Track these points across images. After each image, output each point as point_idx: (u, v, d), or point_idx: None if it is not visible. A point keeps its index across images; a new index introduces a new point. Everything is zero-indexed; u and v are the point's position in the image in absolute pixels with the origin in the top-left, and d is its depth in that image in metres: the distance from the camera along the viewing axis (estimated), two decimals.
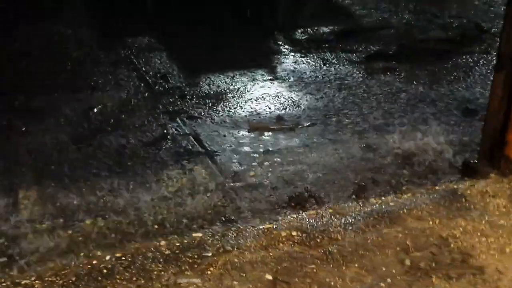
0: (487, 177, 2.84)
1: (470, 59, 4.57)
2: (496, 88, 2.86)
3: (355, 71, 4.38)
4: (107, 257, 2.37)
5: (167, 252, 2.39)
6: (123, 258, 2.35)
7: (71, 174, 3.04)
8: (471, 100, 3.89)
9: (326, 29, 5.17)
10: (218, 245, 2.44)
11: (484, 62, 4.51)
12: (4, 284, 2.20)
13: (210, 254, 2.38)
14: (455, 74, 4.31)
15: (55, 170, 3.08)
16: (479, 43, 4.88)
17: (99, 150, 3.27)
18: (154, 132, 3.48)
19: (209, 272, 2.26)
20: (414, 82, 4.15)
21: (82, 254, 2.44)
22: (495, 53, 4.58)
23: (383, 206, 2.71)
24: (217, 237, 2.53)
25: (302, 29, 5.14)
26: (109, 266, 2.29)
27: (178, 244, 2.46)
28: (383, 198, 2.82)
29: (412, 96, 3.95)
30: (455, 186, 2.82)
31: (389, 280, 2.26)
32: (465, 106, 3.79)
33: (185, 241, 2.49)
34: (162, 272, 2.25)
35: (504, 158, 2.81)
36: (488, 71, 4.33)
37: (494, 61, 4.39)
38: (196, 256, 2.35)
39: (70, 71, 4.32)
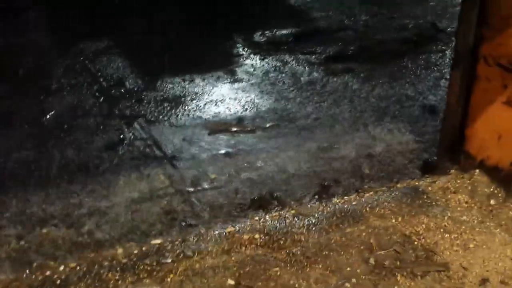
0: (447, 173, 2.85)
1: (427, 58, 4.62)
2: (453, 85, 2.88)
3: (314, 72, 4.36)
4: (61, 268, 2.27)
5: (124, 260, 2.29)
6: (78, 268, 2.24)
7: (22, 182, 2.90)
8: (430, 98, 3.92)
9: (284, 32, 5.14)
10: (178, 251, 2.36)
11: (441, 60, 4.57)
12: None
13: (169, 260, 2.30)
14: (413, 73, 4.35)
15: (6, 178, 2.93)
16: (435, 43, 4.95)
17: (52, 157, 3.14)
18: (110, 137, 3.36)
19: (168, 279, 2.18)
20: (373, 82, 4.16)
21: (34, 265, 2.31)
22: (451, 52, 4.67)
23: (345, 206, 2.68)
24: (177, 243, 2.44)
25: (260, 32, 5.10)
26: (63, 276, 2.19)
27: (136, 251, 2.37)
28: (345, 197, 2.80)
29: (371, 96, 3.95)
30: (417, 183, 2.82)
31: (354, 280, 2.23)
32: (424, 104, 3.82)
33: (144, 248, 2.40)
34: (119, 281, 2.15)
35: (464, 153, 2.83)
36: (445, 69, 4.39)
37: (451, 59, 4.52)
38: (155, 263, 2.27)
39: (22, 76, 4.15)
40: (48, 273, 2.24)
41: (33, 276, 2.23)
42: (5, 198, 2.76)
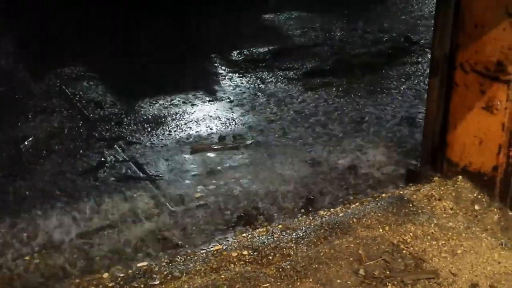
0: (431, 181, 2.86)
1: (402, 70, 4.70)
2: (432, 92, 2.91)
3: (293, 88, 4.39)
4: None
5: (111, 284, 2.23)
6: None
7: (2, 210, 2.82)
8: (408, 108, 3.97)
9: (262, 50, 5.18)
10: (165, 272, 2.31)
11: (416, 71, 4.65)
12: None
13: (157, 282, 2.25)
14: (390, 84, 4.41)
15: None
16: (410, 55, 5.04)
17: (32, 183, 3.07)
18: (90, 160, 3.32)
19: None
20: (352, 95, 4.21)
21: None
22: (425, 63, 4.76)
23: (332, 217, 2.67)
24: (164, 264, 2.39)
25: (238, 51, 5.13)
26: None
27: (122, 275, 2.31)
28: (332, 209, 2.78)
29: (350, 109, 3.99)
30: (401, 192, 2.82)
31: None
32: (403, 115, 3.86)
33: (130, 271, 2.34)
34: None
35: (446, 160, 2.85)
36: (421, 79, 4.46)
37: (426, 70, 4.60)
38: (142, 286, 2.21)
39: None
40: None
41: None
42: None
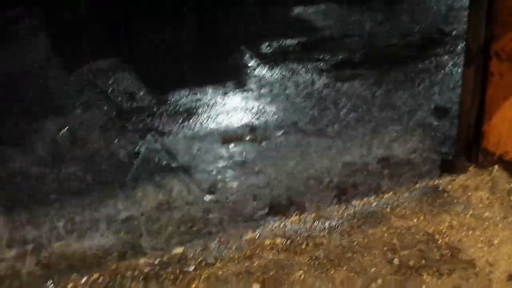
0: (466, 171, 2.83)
1: (434, 61, 4.62)
2: (467, 83, 2.88)
3: (323, 79, 4.36)
4: (83, 280, 2.25)
5: (147, 269, 2.28)
6: (101, 279, 2.23)
7: (39, 200, 2.89)
8: (441, 99, 3.91)
9: (291, 41, 5.16)
10: (200, 259, 2.34)
11: (449, 62, 4.57)
12: None
13: (192, 268, 2.28)
14: (422, 76, 4.34)
15: (22, 197, 2.93)
16: (442, 46, 4.95)
17: (68, 173, 3.14)
18: (125, 150, 3.36)
19: (192, 287, 2.16)
20: (383, 86, 4.16)
21: (56, 278, 2.30)
22: (458, 54, 4.68)
23: (365, 207, 2.66)
24: (198, 251, 2.43)
25: (267, 43, 5.12)
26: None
27: (158, 260, 2.35)
28: (365, 199, 2.77)
29: (381, 100, 3.95)
30: (436, 182, 2.80)
31: (379, 280, 2.20)
32: (436, 106, 3.81)
33: (165, 257, 2.38)
34: None
35: (482, 150, 2.81)
36: (453, 70, 4.39)
37: (458, 61, 4.52)
38: (177, 272, 2.25)
39: (33, 97, 4.17)
40: (70, 285, 2.23)
41: None
42: (27, 214, 2.76)
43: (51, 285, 2.25)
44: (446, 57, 4.70)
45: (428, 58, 4.73)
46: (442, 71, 4.46)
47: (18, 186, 3.00)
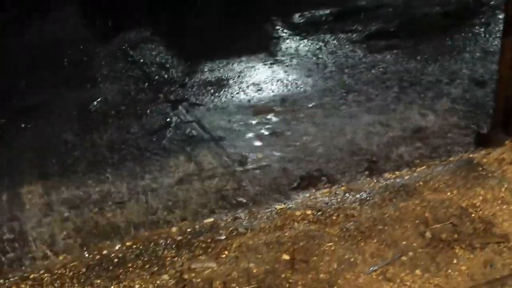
0: (502, 144, 2.75)
1: (471, 32, 4.48)
2: (505, 53, 2.78)
3: (356, 50, 4.29)
4: (117, 246, 2.30)
5: (179, 238, 2.31)
6: (134, 246, 2.28)
7: (74, 167, 2.96)
8: (478, 70, 3.81)
9: (323, 12, 5.07)
10: (231, 228, 2.36)
11: (486, 33, 4.43)
12: (12, 279, 2.12)
13: (223, 237, 2.31)
14: (458, 47, 4.23)
15: (57, 164, 3.00)
16: (478, 16, 4.79)
17: (102, 142, 3.19)
18: (156, 121, 3.40)
19: (224, 256, 2.19)
20: (418, 58, 4.07)
21: (91, 245, 2.37)
22: (495, 25, 4.52)
23: (398, 180, 2.63)
24: (229, 220, 2.45)
25: (299, 13, 5.05)
26: (120, 255, 2.22)
27: (189, 229, 2.39)
28: (397, 172, 2.74)
29: (417, 71, 3.86)
30: (470, 156, 2.74)
31: (411, 253, 2.18)
32: (473, 77, 3.71)
33: (197, 226, 2.42)
34: (175, 258, 2.17)
35: None
36: (490, 41, 4.25)
37: (496, 32, 4.37)
38: (209, 240, 2.28)
39: (67, 67, 4.24)
40: (105, 252, 2.28)
41: (91, 256, 2.27)
42: (60, 182, 2.83)
43: (86, 251, 2.31)
44: (484, 27, 4.56)
45: (465, 28, 4.59)
46: (480, 42, 4.33)
47: (53, 155, 3.07)
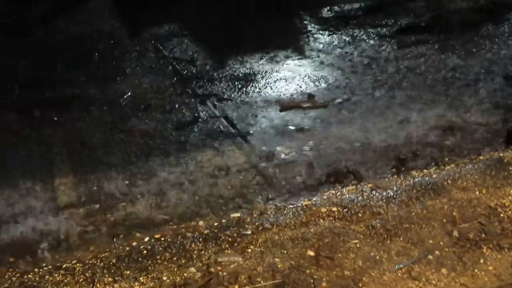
0: None
1: (505, 26, 4.40)
2: None
3: (386, 45, 4.25)
4: (146, 239, 2.36)
5: (206, 231, 2.35)
6: (162, 239, 2.32)
7: (105, 160, 3.02)
8: (510, 67, 3.73)
9: (353, 6, 5.03)
10: (257, 223, 2.39)
11: None
12: (46, 268, 2.19)
13: (249, 232, 2.33)
14: (491, 42, 4.15)
15: (89, 156, 3.06)
16: (511, 12, 4.69)
17: (132, 136, 3.25)
18: (185, 115, 3.44)
19: (249, 250, 2.22)
20: (449, 53, 4.01)
21: (121, 236, 2.42)
22: None
23: (425, 178, 2.62)
24: (255, 215, 2.48)
25: (328, 7, 5.02)
26: (149, 247, 2.27)
27: (216, 223, 2.42)
28: (425, 170, 2.73)
29: (448, 67, 3.81)
30: (501, 155, 2.71)
31: (437, 252, 2.18)
32: (505, 73, 3.64)
33: (223, 220, 2.45)
34: (202, 251, 2.21)
35: None
36: None
37: None
38: (235, 235, 2.31)
39: (98, 62, 4.30)
40: (134, 244, 2.34)
41: (121, 247, 2.33)
42: (88, 175, 2.89)
43: (117, 243, 2.37)
44: None
45: (499, 23, 4.50)
46: None
47: (84, 148, 3.13)
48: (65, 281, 2.10)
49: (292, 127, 3.27)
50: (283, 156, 3.00)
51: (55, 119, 3.45)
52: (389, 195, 2.53)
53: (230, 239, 2.28)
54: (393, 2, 5.03)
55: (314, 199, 2.59)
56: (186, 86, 3.82)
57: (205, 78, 3.92)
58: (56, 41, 4.58)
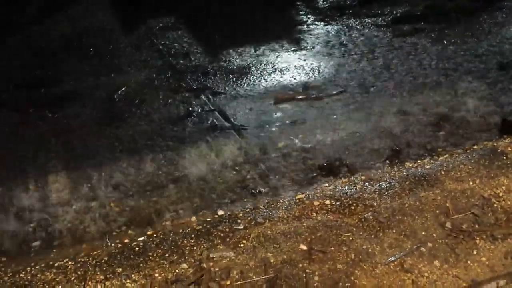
0: None
1: (501, 15, 4.35)
2: None
3: (382, 35, 4.22)
4: (138, 236, 2.35)
5: (198, 227, 2.34)
6: (155, 235, 2.32)
7: (98, 156, 3.01)
8: (505, 55, 3.70)
9: None
10: (249, 218, 2.38)
11: None
12: (38, 267, 2.19)
13: (241, 227, 2.33)
14: (486, 30, 4.11)
15: (83, 153, 3.06)
16: None
17: (126, 131, 3.24)
18: (179, 110, 3.43)
19: (241, 245, 2.21)
20: (445, 42, 3.98)
21: (113, 234, 2.42)
22: None
23: (419, 169, 2.60)
24: (248, 210, 2.47)
25: None
26: (141, 244, 2.27)
27: (208, 219, 2.42)
28: (418, 161, 2.71)
29: (443, 56, 3.78)
30: (495, 144, 2.68)
31: (430, 244, 2.17)
32: (500, 62, 3.61)
33: (216, 215, 2.45)
34: (194, 247, 2.21)
35: None
36: None
37: None
38: (227, 230, 2.30)
39: (93, 56, 4.29)
40: (126, 241, 2.33)
41: (113, 245, 2.32)
42: (84, 170, 2.88)
43: (109, 240, 2.37)
44: None
45: (496, 10, 4.46)
46: (507, 25, 4.20)
47: (77, 144, 3.13)
48: (57, 279, 2.10)
49: (286, 120, 3.25)
50: (277, 149, 2.99)
51: (49, 115, 3.44)
52: (382, 186, 2.51)
53: (222, 235, 2.27)
54: None
55: (307, 192, 2.58)
56: (181, 80, 3.80)
57: (199, 71, 3.90)
58: (50, 38, 4.56)
